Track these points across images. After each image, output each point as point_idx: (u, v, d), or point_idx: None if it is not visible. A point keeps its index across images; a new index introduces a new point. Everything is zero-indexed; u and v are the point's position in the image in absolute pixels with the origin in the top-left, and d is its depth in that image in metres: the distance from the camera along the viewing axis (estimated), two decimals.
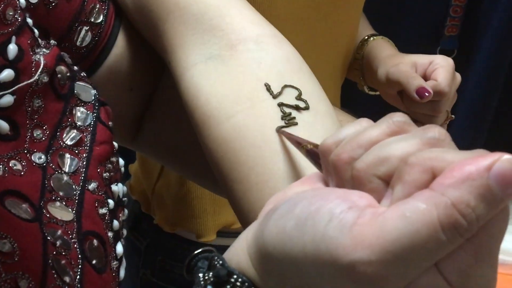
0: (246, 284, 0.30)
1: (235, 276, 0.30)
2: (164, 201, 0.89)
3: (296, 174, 0.41)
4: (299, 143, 0.38)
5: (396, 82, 0.76)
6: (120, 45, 0.53)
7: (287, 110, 0.43)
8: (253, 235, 0.31)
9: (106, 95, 0.51)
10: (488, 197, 0.24)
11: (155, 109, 0.58)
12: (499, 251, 0.26)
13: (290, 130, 0.42)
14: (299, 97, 0.44)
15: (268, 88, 0.44)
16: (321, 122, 0.44)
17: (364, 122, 0.32)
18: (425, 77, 0.76)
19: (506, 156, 0.24)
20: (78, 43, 0.49)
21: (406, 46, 0.86)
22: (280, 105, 0.43)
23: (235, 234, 0.89)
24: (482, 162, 0.24)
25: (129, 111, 0.58)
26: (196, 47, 0.46)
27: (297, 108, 0.43)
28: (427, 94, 0.72)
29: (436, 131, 0.28)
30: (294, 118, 0.43)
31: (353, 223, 0.25)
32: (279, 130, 0.42)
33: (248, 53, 0.45)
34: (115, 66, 0.53)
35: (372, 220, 0.25)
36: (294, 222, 0.28)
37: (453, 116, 0.81)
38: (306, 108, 0.44)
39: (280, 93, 0.44)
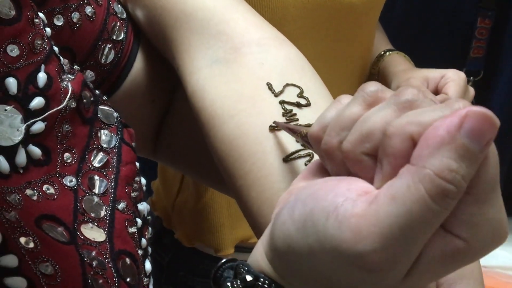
0: (273, 285, 0.30)
1: (261, 279, 0.31)
2: (183, 216, 0.90)
3: (295, 168, 0.42)
4: (295, 132, 0.38)
5: None
6: (140, 59, 0.55)
7: (289, 107, 0.44)
8: (267, 240, 0.31)
9: (131, 108, 0.53)
10: (467, 155, 0.24)
11: (172, 117, 0.60)
12: (499, 191, 0.26)
13: None
14: (300, 95, 0.45)
15: (270, 87, 0.45)
16: None
17: (344, 98, 0.31)
18: (437, 91, 0.77)
19: (471, 110, 0.24)
20: (102, 61, 0.51)
21: (431, 67, 0.85)
22: (282, 102, 0.44)
23: (252, 249, 0.90)
24: (451, 123, 0.24)
25: (153, 122, 0.60)
26: (202, 51, 0.48)
27: (298, 105, 0.44)
28: None
29: (408, 93, 0.27)
30: (295, 114, 0.44)
31: (349, 216, 0.26)
32: (274, 124, 0.42)
33: (251, 55, 0.47)
34: (138, 80, 0.55)
35: (366, 210, 0.25)
36: (295, 227, 0.28)
37: None
38: (308, 105, 0.44)
39: (281, 92, 0.45)
